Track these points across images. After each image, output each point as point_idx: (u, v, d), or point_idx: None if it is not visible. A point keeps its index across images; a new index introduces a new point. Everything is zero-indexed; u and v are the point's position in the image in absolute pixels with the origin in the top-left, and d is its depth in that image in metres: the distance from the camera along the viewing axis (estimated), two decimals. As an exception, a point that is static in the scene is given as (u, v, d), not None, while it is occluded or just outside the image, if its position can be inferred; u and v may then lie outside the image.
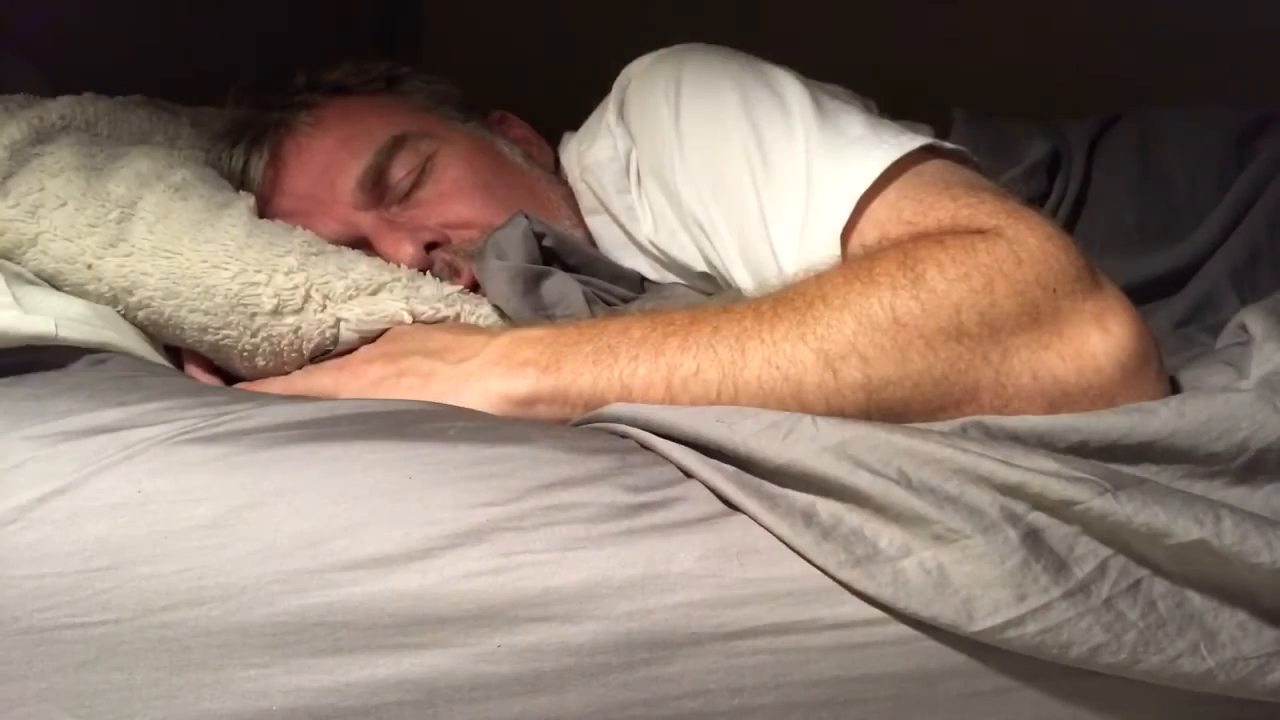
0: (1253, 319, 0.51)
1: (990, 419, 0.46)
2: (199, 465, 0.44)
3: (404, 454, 0.45)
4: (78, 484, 0.44)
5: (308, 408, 0.48)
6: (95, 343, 0.58)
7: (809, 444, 0.44)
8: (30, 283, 0.62)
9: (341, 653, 0.41)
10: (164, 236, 0.64)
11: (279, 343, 0.64)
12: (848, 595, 0.42)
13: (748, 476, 0.45)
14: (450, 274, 0.71)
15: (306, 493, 0.43)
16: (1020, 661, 0.42)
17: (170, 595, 0.42)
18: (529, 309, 0.66)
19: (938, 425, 0.47)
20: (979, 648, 0.42)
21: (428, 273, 0.69)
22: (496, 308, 0.67)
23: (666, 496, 0.44)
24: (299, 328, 0.64)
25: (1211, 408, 0.44)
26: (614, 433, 0.49)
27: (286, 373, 0.65)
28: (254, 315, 0.63)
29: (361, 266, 0.66)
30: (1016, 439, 0.45)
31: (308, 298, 0.64)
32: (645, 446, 0.48)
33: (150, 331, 0.66)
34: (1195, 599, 0.41)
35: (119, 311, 0.65)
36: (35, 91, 0.72)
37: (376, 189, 0.73)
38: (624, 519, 0.43)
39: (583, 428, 0.51)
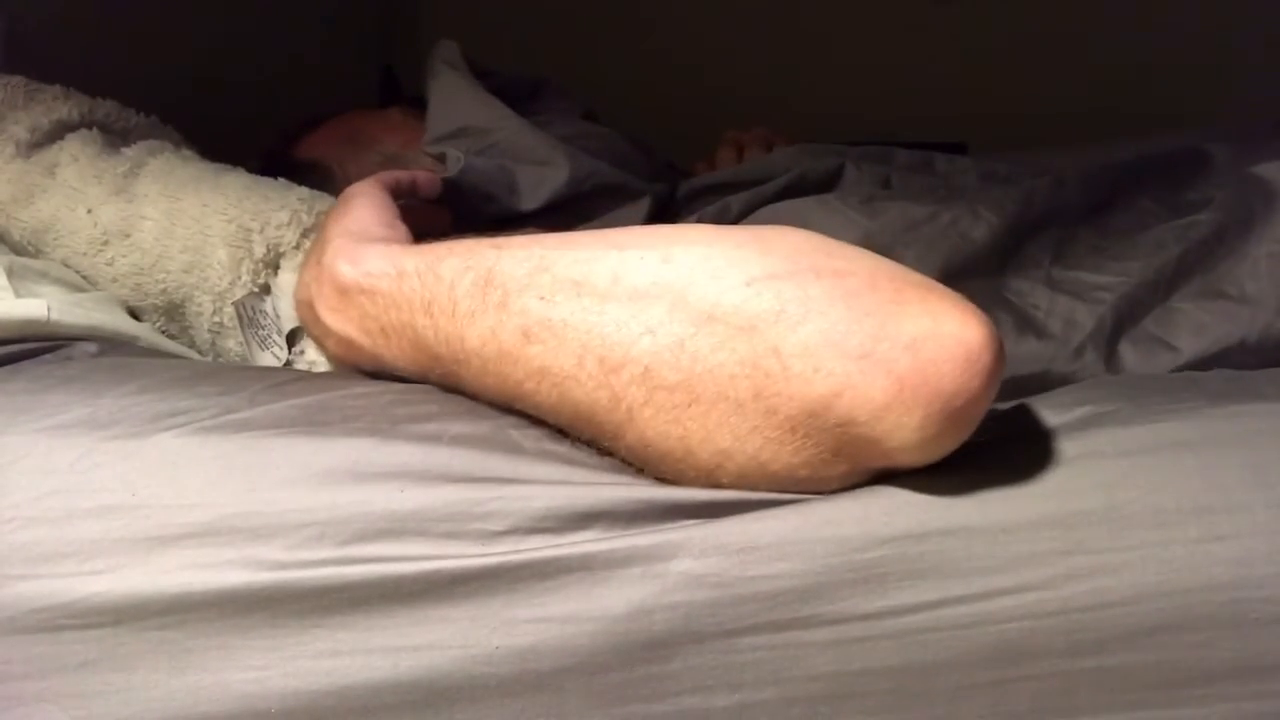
0: None
1: None
2: (194, 460, 0.44)
3: (400, 457, 0.44)
4: (73, 482, 0.43)
5: (300, 401, 0.48)
6: (86, 326, 0.58)
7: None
8: (19, 275, 0.63)
9: (340, 655, 0.41)
10: (168, 185, 0.66)
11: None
12: (845, 591, 0.41)
13: None
14: None
15: (302, 488, 0.43)
16: (1017, 652, 0.42)
17: (168, 597, 0.42)
18: None
19: None
20: (976, 641, 0.41)
21: None
22: None
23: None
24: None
25: None
26: None
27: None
28: (241, 260, 0.65)
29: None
30: None
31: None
32: None
33: (130, 283, 0.66)
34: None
35: (106, 260, 0.65)
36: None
37: None
38: (622, 520, 0.43)
39: None
